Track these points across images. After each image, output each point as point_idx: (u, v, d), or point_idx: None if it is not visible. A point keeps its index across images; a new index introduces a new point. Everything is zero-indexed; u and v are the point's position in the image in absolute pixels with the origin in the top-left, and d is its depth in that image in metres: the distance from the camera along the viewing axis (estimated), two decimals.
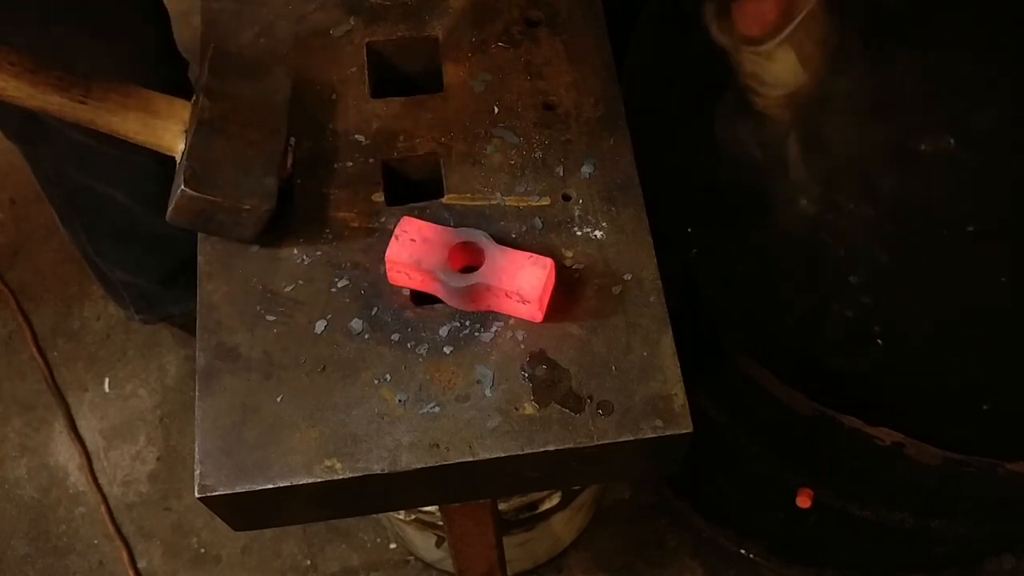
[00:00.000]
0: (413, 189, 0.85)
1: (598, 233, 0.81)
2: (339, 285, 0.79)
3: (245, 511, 0.77)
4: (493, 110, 0.86)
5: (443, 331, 0.77)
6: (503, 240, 0.79)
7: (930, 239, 1.19)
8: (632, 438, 0.73)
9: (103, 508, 1.64)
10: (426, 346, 0.76)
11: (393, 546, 1.60)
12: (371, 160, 0.84)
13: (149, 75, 0.96)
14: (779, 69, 1.06)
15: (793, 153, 1.17)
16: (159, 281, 1.56)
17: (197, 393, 0.75)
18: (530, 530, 1.38)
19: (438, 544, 1.37)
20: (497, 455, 0.73)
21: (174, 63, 1.30)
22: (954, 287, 1.16)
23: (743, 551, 1.49)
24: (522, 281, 0.74)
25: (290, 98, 0.82)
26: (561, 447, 0.73)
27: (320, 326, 0.77)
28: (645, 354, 0.76)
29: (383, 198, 0.82)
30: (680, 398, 0.74)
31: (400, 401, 0.74)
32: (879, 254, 1.18)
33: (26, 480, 1.67)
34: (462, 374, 0.75)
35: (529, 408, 0.74)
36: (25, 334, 1.77)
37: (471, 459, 0.73)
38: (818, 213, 1.20)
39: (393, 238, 0.76)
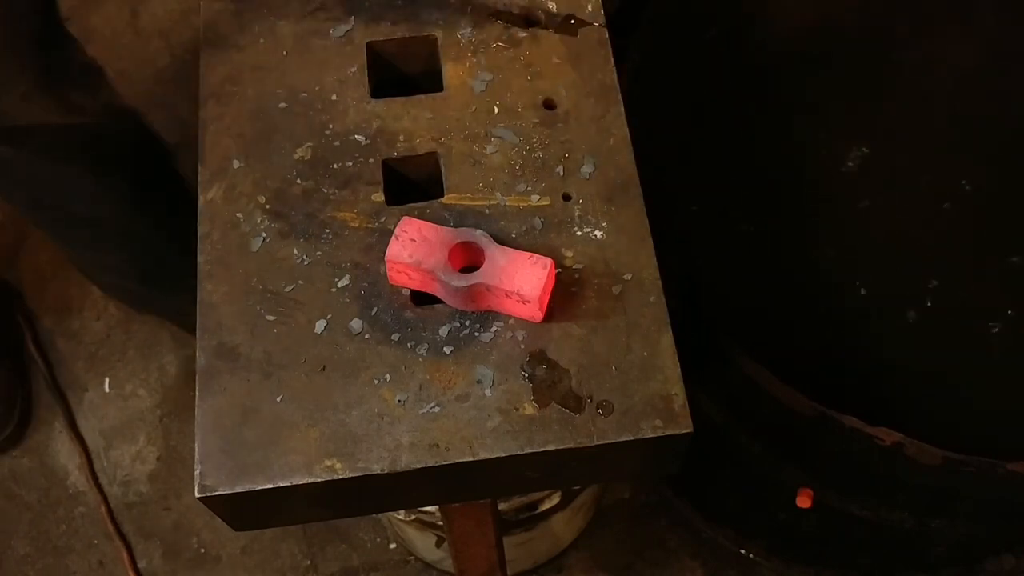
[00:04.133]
0: (413, 189, 0.85)
1: (598, 233, 0.81)
2: (339, 285, 0.79)
3: (245, 511, 0.77)
4: (493, 110, 0.86)
5: (443, 331, 0.77)
6: (503, 240, 0.79)
7: (932, 237, 1.19)
8: (632, 438, 0.73)
9: (103, 508, 1.64)
10: (426, 346, 0.76)
11: (393, 546, 1.60)
12: (371, 160, 0.84)
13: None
14: None
15: None
16: (139, 282, 1.57)
17: (197, 393, 0.75)
18: (530, 530, 1.38)
19: (438, 544, 1.37)
20: (497, 455, 0.73)
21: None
22: (955, 286, 1.16)
23: (743, 551, 1.49)
24: (522, 281, 0.74)
25: None
26: (561, 447, 0.73)
27: (320, 326, 0.77)
28: (645, 354, 0.76)
29: (383, 198, 0.82)
30: (680, 398, 0.74)
31: (400, 401, 0.74)
32: (880, 253, 1.18)
33: (26, 480, 1.67)
34: (462, 374, 0.75)
35: (529, 408, 0.74)
36: (25, 334, 1.77)
37: (471, 459, 0.72)
38: (819, 211, 1.20)
39: (393, 238, 0.76)
